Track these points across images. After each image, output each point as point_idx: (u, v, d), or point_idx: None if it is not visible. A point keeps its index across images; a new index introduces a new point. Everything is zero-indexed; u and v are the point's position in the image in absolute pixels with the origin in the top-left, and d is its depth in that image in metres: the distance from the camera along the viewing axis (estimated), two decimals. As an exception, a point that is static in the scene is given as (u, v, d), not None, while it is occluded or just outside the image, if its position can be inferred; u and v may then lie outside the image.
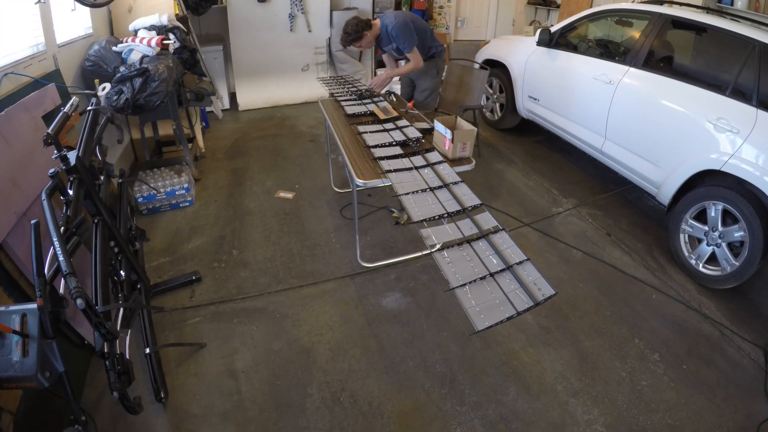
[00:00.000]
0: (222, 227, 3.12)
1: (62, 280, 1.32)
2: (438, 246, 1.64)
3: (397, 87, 3.97)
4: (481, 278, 1.50)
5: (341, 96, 3.33)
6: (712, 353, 2.25)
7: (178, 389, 1.96)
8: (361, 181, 2.21)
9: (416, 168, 2.21)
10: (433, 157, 2.32)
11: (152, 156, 3.78)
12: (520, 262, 1.58)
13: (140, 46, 3.09)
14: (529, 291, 1.46)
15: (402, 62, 3.63)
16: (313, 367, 2.09)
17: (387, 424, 1.85)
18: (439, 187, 2.03)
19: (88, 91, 2.89)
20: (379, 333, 2.28)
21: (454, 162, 2.37)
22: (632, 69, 3.16)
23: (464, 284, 1.47)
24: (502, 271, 1.54)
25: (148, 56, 3.02)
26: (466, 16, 6.97)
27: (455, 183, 2.07)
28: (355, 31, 3.13)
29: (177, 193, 3.26)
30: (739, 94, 2.55)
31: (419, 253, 2.77)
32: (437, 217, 1.81)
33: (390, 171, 2.17)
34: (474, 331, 1.34)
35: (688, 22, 2.96)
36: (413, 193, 1.98)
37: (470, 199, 1.94)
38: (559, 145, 4.26)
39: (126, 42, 3.14)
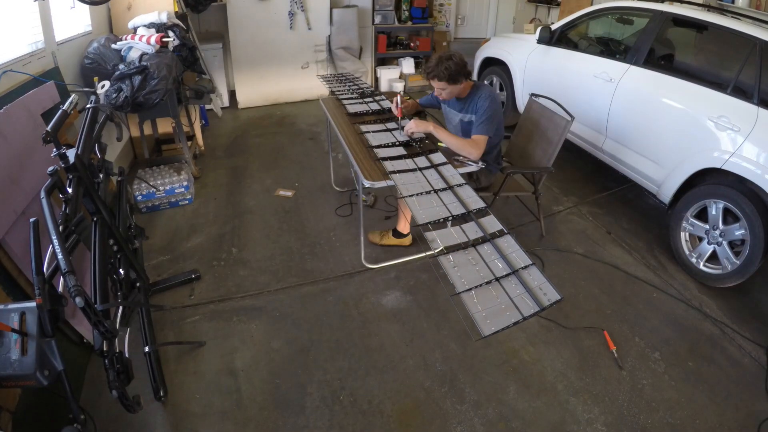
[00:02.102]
0: (221, 225, 3.12)
1: (61, 279, 1.31)
2: (441, 247, 1.64)
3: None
4: (487, 283, 1.50)
5: (342, 94, 3.31)
6: (713, 352, 2.24)
7: (178, 388, 1.96)
8: (368, 181, 2.19)
9: (420, 169, 2.20)
10: (437, 158, 2.31)
11: (151, 154, 3.77)
12: (526, 267, 1.58)
13: (139, 43, 3.08)
14: (535, 296, 1.46)
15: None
16: (312, 365, 2.09)
17: (387, 423, 1.85)
18: (444, 189, 2.02)
19: (87, 89, 2.88)
20: (378, 332, 2.28)
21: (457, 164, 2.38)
22: (633, 67, 3.15)
23: (470, 289, 1.47)
24: (507, 275, 1.54)
25: (147, 54, 3.01)
26: (466, 13, 6.95)
27: (459, 185, 2.06)
28: (457, 71, 2.42)
29: (176, 191, 3.25)
30: (740, 92, 2.54)
31: (422, 254, 2.76)
32: (442, 220, 1.80)
33: (394, 172, 2.16)
34: (480, 337, 1.33)
35: (688, 19, 2.95)
36: (417, 195, 1.97)
37: (475, 201, 1.93)
38: (560, 143, 4.25)
39: (125, 40, 3.13)
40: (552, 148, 2.77)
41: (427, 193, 1.99)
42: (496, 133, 2.56)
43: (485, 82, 4.87)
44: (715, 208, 2.59)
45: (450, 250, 1.63)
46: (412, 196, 1.95)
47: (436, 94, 2.61)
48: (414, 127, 2.53)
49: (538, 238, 3.03)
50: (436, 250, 1.64)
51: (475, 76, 5.17)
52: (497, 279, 1.52)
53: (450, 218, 1.81)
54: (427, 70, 2.51)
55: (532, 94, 3.10)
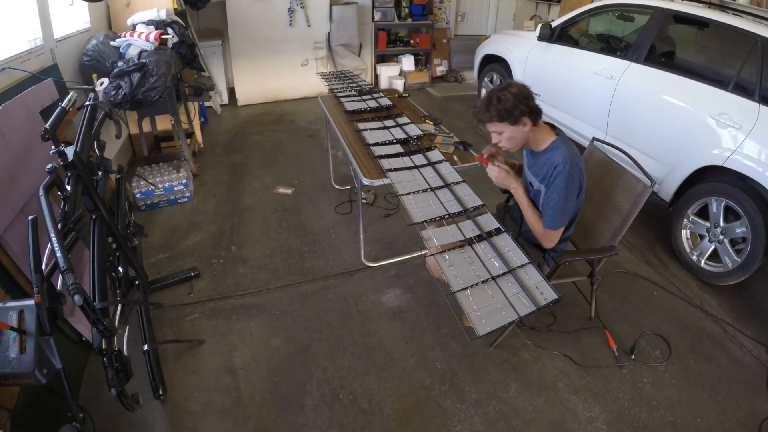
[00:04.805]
0: (221, 223, 3.11)
1: (60, 276, 1.30)
2: (437, 245, 1.63)
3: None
4: (483, 282, 1.49)
5: (340, 92, 3.30)
6: (713, 350, 2.24)
7: (177, 386, 1.95)
8: (367, 180, 2.18)
9: (417, 167, 2.19)
10: (434, 156, 2.30)
11: (150, 151, 3.75)
12: (522, 266, 1.57)
13: (138, 41, 3.06)
14: (532, 295, 1.45)
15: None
16: (312, 364, 2.08)
17: (387, 422, 1.84)
18: (440, 188, 2.01)
19: (86, 86, 2.87)
20: (378, 330, 2.27)
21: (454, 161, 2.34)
22: (633, 64, 3.14)
23: (465, 288, 1.46)
24: (504, 274, 1.53)
25: (146, 51, 2.99)
26: (466, 10, 6.94)
27: (456, 183, 2.05)
28: (513, 106, 1.69)
29: (175, 188, 3.24)
30: (741, 89, 2.54)
31: (420, 253, 2.76)
32: (438, 218, 1.79)
33: (390, 170, 2.14)
34: (475, 336, 1.33)
35: (689, 17, 2.93)
36: (414, 193, 1.95)
37: (472, 199, 1.92)
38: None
39: (124, 37, 3.11)
40: (620, 219, 1.99)
41: (424, 191, 1.98)
42: (575, 207, 1.87)
43: (486, 80, 4.84)
44: (717, 206, 2.58)
45: (446, 248, 1.62)
46: (408, 194, 1.94)
47: (494, 141, 1.87)
48: (495, 173, 1.91)
49: (583, 316, 2.39)
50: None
51: (475, 74, 5.14)
52: (493, 278, 1.51)
53: (446, 216, 1.79)
54: (476, 114, 1.81)
55: (594, 139, 2.30)
